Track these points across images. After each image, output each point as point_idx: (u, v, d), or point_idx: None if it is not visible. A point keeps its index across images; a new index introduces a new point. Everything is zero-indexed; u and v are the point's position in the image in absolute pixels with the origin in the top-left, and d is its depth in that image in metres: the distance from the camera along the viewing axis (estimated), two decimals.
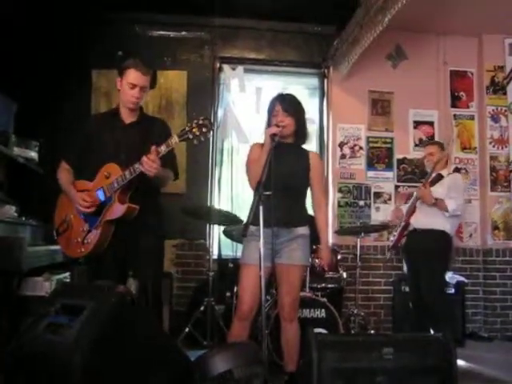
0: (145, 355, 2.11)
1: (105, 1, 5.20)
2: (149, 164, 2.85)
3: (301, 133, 3.32)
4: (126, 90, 3.12)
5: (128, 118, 3.21)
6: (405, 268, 4.84)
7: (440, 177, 4.55)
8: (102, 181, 3.05)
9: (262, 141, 3.20)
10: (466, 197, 5.66)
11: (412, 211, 4.56)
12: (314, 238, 3.35)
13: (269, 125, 3.25)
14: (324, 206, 3.42)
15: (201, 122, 2.85)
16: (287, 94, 3.37)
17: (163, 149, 2.90)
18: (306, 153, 3.35)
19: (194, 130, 2.84)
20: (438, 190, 4.45)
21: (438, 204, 4.37)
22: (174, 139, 2.89)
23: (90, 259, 3.16)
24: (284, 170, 3.10)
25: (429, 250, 4.39)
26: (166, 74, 5.62)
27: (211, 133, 2.95)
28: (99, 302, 2.07)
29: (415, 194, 4.60)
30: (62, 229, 3.16)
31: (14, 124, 4.71)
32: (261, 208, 2.85)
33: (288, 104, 3.24)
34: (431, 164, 4.57)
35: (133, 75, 3.09)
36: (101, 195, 3.04)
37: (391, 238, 4.79)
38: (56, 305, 2.15)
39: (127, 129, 3.18)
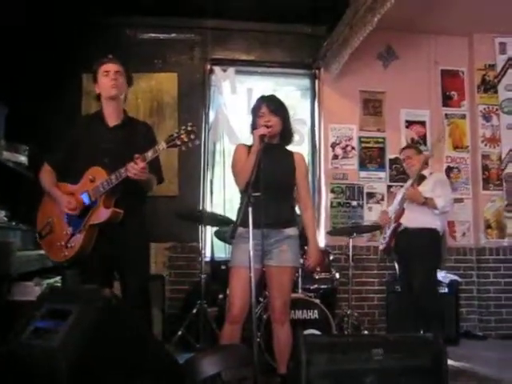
0: (132, 359, 2.10)
1: (95, 5, 5.19)
2: (137, 170, 2.85)
3: (286, 133, 3.32)
4: (103, 80, 3.13)
5: (112, 120, 3.18)
6: (397, 268, 4.82)
7: (423, 177, 4.60)
8: (87, 184, 3.02)
9: (249, 142, 3.20)
10: (458, 195, 5.73)
11: (401, 212, 4.56)
12: (305, 238, 3.34)
13: (254, 127, 3.24)
14: (310, 206, 3.41)
15: (189, 128, 2.84)
16: (271, 95, 3.37)
17: (150, 155, 2.89)
18: (290, 153, 3.36)
19: (182, 136, 2.82)
20: (423, 190, 4.48)
21: (427, 203, 4.40)
22: (162, 145, 2.88)
23: (74, 263, 3.13)
24: (272, 170, 3.09)
25: (420, 249, 4.40)
26: (156, 77, 5.62)
27: (199, 140, 2.93)
28: (85, 307, 2.05)
29: (401, 195, 4.65)
30: (45, 232, 3.13)
31: (4, 128, 4.68)
32: (250, 209, 2.84)
33: (274, 104, 3.24)
34: (411, 168, 4.66)
35: (103, 66, 3.14)
36: (86, 199, 3.01)
37: (381, 241, 4.79)
38: (42, 309, 2.14)
39: (111, 132, 3.15)
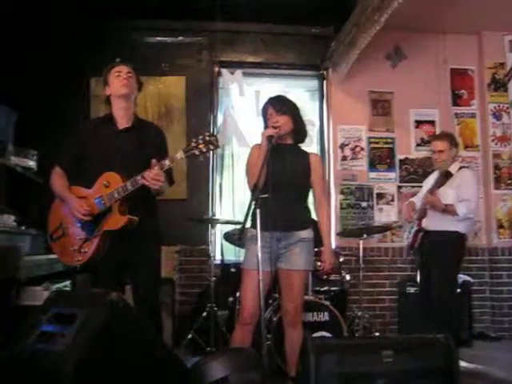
0: (138, 363, 2.09)
1: (102, 9, 5.20)
2: (154, 180, 2.85)
3: (299, 130, 3.29)
4: (114, 80, 3.14)
5: (122, 123, 3.17)
6: (418, 266, 4.73)
7: (449, 175, 4.34)
8: (101, 189, 3.00)
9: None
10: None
11: (422, 216, 4.42)
12: (317, 240, 3.31)
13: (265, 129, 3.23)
14: (326, 207, 3.37)
15: (207, 138, 2.82)
16: (278, 95, 3.38)
17: (167, 163, 2.89)
18: (306, 154, 3.33)
19: (200, 146, 2.82)
20: (447, 193, 4.26)
21: (448, 210, 4.18)
22: (180, 155, 2.87)
23: (87, 267, 3.13)
24: (284, 170, 3.08)
25: (442, 251, 4.25)
26: (164, 80, 5.63)
27: (217, 150, 2.93)
28: (92, 310, 2.05)
29: (426, 187, 4.47)
30: (57, 235, 3.12)
31: (13, 133, 4.70)
32: (258, 211, 2.83)
33: (279, 104, 3.23)
34: (440, 163, 4.39)
35: (115, 68, 3.17)
36: (99, 204, 3.00)
37: (405, 238, 4.71)
38: (48, 313, 2.13)
39: (121, 134, 3.15)
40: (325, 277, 4.45)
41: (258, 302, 2.92)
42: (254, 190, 2.86)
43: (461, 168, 4.47)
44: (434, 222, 4.34)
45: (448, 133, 4.75)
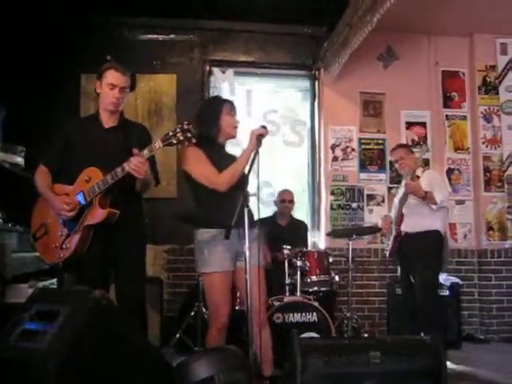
0: (122, 361, 2.06)
1: (93, 5, 5.16)
2: (138, 166, 2.80)
3: None
4: (106, 91, 3.08)
5: (108, 122, 3.16)
6: (399, 271, 4.77)
7: (416, 178, 4.48)
8: (82, 185, 2.99)
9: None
10: (460, 197, 5.76)
11: (401, 219, 4.47)
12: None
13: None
14: None
15: (185, 126, 2.80)
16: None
17: (146, 153, 2.86)
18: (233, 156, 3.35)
19: (178, 134, 2.79)
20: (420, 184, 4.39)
21: (427, 196, 4.29)
22: (158, 144, 2.84)
23: (70, 265, 3.10)
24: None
25: (421, 251, 4.34)
26: (155, 78, 5.60)
27: (196, 139, 2.89)
28: (74, 308, 2.02)
29: (399, 196, 4.54)
30: (40, 234, 3.10)
31: (2, 129, 4.65)
32: (246, 210, 2.81)
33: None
34: (405, 167, 4.51)
35: (112, 75, 3.06)
36: (81, 199, 2.98)
37: (385, 247, 4.75)
38: (31, 311, 2.10)
39: (106, 133, 3.13)
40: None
41: (230, 303, 3.03)
42: (243, 187, 2.83)
43: (424, 171, 4.74)
44: (412, 224, 4.40)
45: (402, 143, 5.17)
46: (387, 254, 4.73)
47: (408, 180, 4.38)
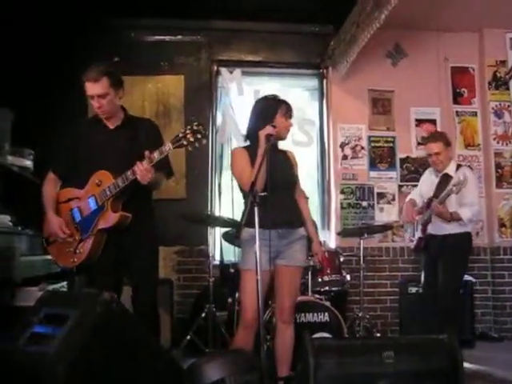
0: (132, 364, 2.04)
1: (101, 7, 5.15)
2: (143, 173, 2.82)
3: None
4: (90, 100, 3.07)
5: (112, 122, 3.15)
6: (412, 269, 4.69)
7: (448, 178, 4.27)
8: (93, 188, 2.99)
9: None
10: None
11: (427, 222, 4.34)
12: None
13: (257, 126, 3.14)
14: (306, 200, 3.49)
15: (195, 127, 2.79)
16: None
17: (156, 156, 2.86)
18: (284, 151, 3.38)
19: (188, 136, 2.79)
20: (449, 199, 4.16)
21: (453, 218, 4.14)
22: (168, 146, 2.85)
23: (82, 268, 3.09)
24: (277, 168, 3.04)
25: (450, 251, 4.21)
26: (163, 79, 5.59)
27: (206, 140, 2.87)
28: (83, 311, 2.00)
29: (429, 211, 4.31)
30: (53, 238, 3.10)
31: (10, 133, 4.65)
32: (256, 209, 2.78)
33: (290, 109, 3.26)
34: (439, 165, 4.31)
35: (87, 87, 3.04)
36: (92, 203, 2.99)
37: (407, 239, 4.66)
38: (40, 314, 2.08)
39: (114, 133, 3.13)
40: (327, 272, 4.38)
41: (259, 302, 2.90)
42: (252, 189, 2.80)
43: (459, 167, 4.41)
44: (440, 228, 4.28)
45: (440, 132, 4.78)
46: (412, 247, 4.59)
47: (435, 204, 4.17)
